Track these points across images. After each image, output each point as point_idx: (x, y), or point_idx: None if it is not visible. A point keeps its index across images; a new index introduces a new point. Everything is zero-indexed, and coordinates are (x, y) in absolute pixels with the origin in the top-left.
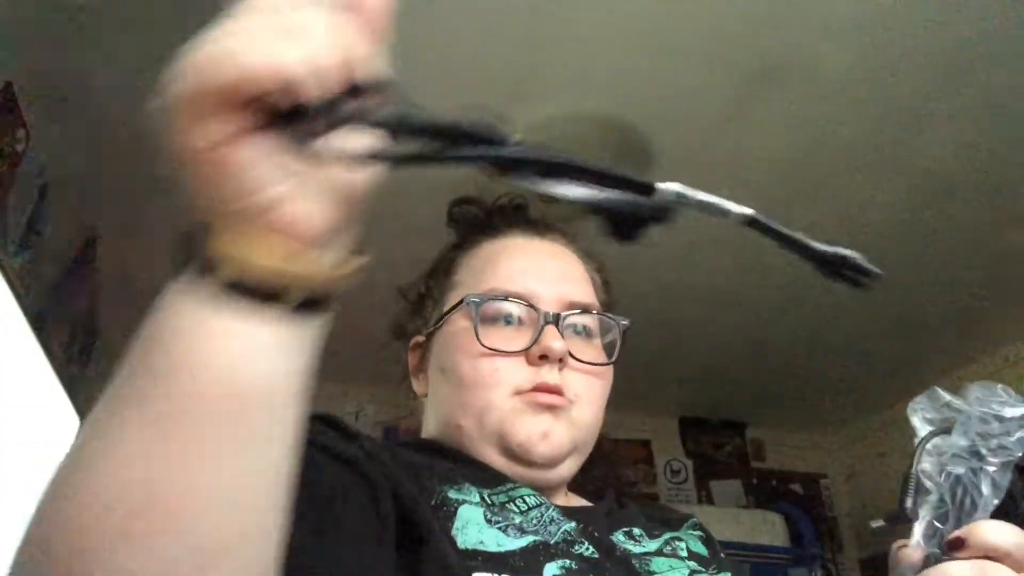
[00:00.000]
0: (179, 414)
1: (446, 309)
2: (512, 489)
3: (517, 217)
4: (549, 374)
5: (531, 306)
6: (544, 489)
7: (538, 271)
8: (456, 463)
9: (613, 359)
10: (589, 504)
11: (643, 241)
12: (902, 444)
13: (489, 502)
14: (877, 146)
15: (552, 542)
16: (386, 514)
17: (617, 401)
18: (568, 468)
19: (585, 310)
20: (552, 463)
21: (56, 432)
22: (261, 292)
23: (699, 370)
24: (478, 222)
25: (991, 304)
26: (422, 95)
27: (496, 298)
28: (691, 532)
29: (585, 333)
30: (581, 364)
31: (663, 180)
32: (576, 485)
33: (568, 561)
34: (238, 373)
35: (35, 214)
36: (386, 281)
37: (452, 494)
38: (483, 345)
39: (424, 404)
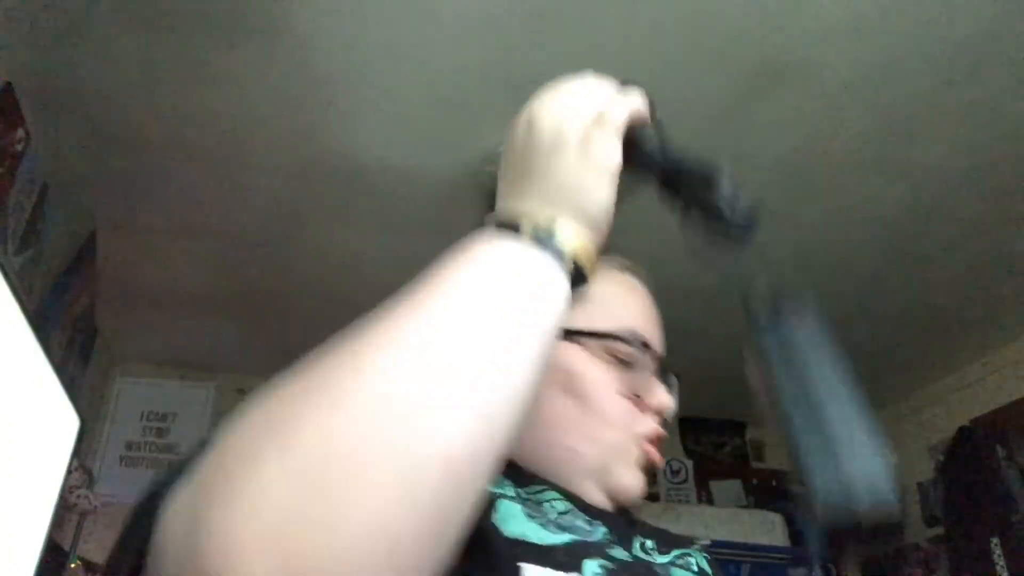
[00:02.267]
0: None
1: (589, 329)
2: (541, 491)
3: (609, 255)
4: (660, 429)
5: (652, 357)
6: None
7: (650, 316)
8: None
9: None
10: (608, 509)
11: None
12: (902, 444)
13: (524, 498)
14: (877, 146)
15: (590, 541)
16: None
17: None
18: None
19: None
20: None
21: (56, 432)
22: (578, 267)
23: (699, 370)
24: None
25: (991, 304)
26: (422, 95)
27: (641, 344)
28: (699, 553)
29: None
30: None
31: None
32: None
33: (606, 561)
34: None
35: (35, 214)
36: (383, 282)
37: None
38: (625, 390)
39: None
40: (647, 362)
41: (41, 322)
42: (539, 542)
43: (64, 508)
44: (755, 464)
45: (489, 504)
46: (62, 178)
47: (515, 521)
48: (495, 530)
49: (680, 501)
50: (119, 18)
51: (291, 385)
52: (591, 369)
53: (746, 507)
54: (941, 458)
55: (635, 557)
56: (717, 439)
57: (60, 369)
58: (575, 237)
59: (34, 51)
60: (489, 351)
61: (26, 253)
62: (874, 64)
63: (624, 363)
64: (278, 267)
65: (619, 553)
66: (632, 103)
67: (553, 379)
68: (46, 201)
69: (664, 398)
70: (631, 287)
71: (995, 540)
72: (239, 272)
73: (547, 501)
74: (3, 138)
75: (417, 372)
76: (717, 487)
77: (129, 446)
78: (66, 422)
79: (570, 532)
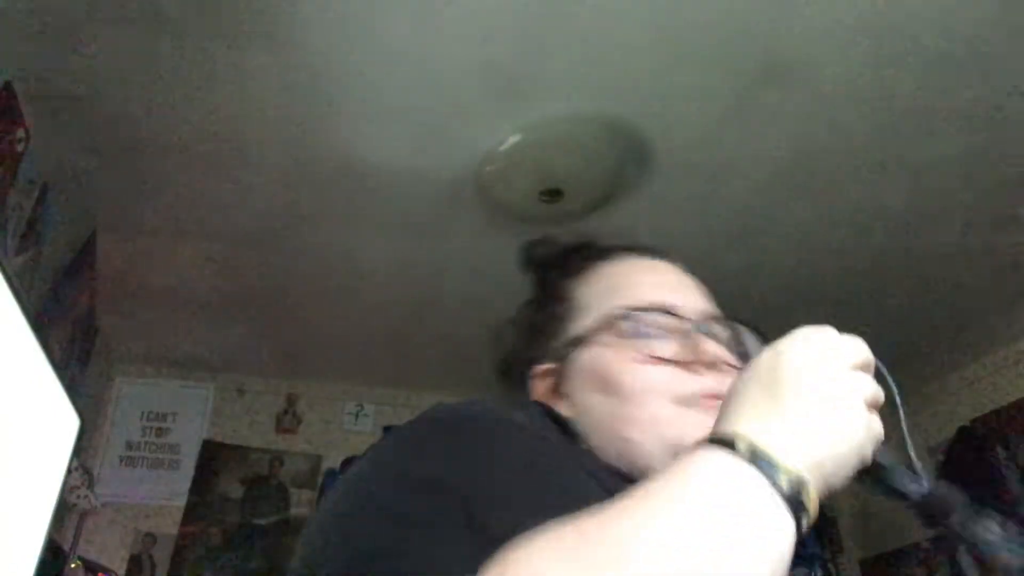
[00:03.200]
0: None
1: (587, 329)
2: None
3: (628, 246)
4: (713, 382)
5: (678, 316)
6: None
7: (675, 284)
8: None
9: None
10: None
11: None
12: None
13: None
14: (877, 146)
15: None
16: None
17: None
18: None
19: (720, 320)
20: None
21: (56, 432)
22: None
23: None
24: (587, 253)
25: (991, 304)
26: (422, 95)
27: (648, 310)
28: None
29: (723, 343)
30: (732, 369)
31: (663, 180)
32: None
33: None
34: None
35: (35, 214)
36: (383, 282)
37: None
38: (647, 355)
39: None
40: (679, 325)
41: (41, 322)
42: None
43: (64, 508)
44: None
45: None
46: (62, 178)
47: None
48: None
49: None
50: (119, 18)
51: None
52: (609, 357)
53: None
54: (941, 458)
55: None
56: None
57: (60, 369)
58: (813, 501)
59: (34, 51)
60: None
61: (26, 253)
62: (874, 64)
63: (657, 335)
64: (278, 267)
65: None
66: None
67: (587, 387)
68: (46, 201)
69: (709, 348)
70: (646, 267)
71: None
72: (239, 272)
73: None
74: (3, 138)
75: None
76: None
77: (129, 446)
78: (66, 422)
79: None
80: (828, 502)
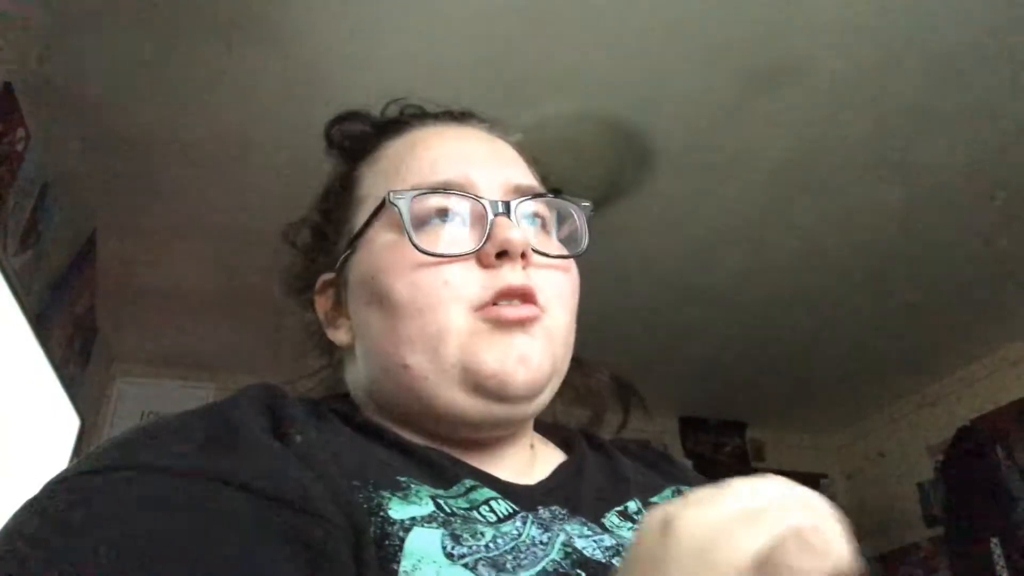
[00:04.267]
0: None
1: (359, 225)
2: (472, 490)
3: (425, 113)
4: (512, 274)
5: (471, 196)
6: (509, 437)
7: (469, 155)
8: (394, 451)
9: (583, 248)
10: (562, 458)
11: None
12: (902, 444)
13: (448, 511)
14: (877, 146)
15: (540, 574)
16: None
17: None
18: (546, 397)
19: (537, 195)
20: (533, 394)
21: (56, 432)
22: None
23: (699, 370)
24: (374, 130)
25: (991, 304)
26: (423, 94)
27: (424, 192)
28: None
29: (541, 224)
30: (547, 259)
31: (663, 180)
32: (542, 424)
33: None
34: None
35: (35, 214)
36: None
37: (396, 511)
38: (422, 251)
39: (347, 358)
40: (469, 207)
41: (41, 322)
42: None
43: None
44: (755, 464)
45: (397, 548)
46: (62, 178)
47: (429, 571)
48: None
49: None
50: (119, 18)
51: None
52: (381, 259)
53: None
54: (941, 458)
55: (608, 548)
56: (717, 439)
57: (60, 369)
58: None
59: (34, 51)
60: None
61: (26, 253)
62: (874, 64)
63: (440, 224)
64: (278, 267)
65: (582, 560)
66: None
67: (362, 301)
68: (46, 201)
69: (502, 235)
70: (436, 135)
71: (995, 540)
72: (239, 272)
73: (482, 502)
74: (3, 138)
75: None
76: None
77: None
78: (66, 422)
79: (511, 568)
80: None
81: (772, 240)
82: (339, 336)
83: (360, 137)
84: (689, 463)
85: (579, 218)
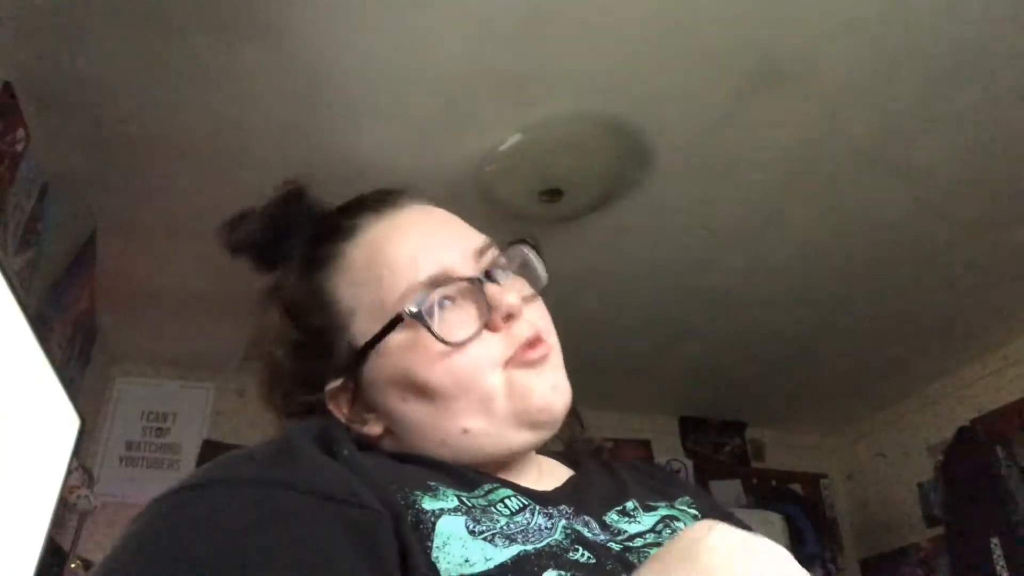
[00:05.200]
0: None
1: (367, 336)
2: (491, 491)
3: (356, 207)
4: (521, 327)
5: (457, 279)
6: (523, 456)
7: (433, 242)
8: (424, 467)
9: (545, 279)
10: (571, 473)
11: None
12: (902, 444)
13: (469, 505)
14: (877, 146)
15: (545, 550)
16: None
17: (617, 401)
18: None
19: (493, 248)
20: (564, 415)
21: (56, 432)
22: None
23: (699, 370)
24: (309, 236)
25: (991, 304)
26: (422, 95)
27: (423, 295)
28: (686, 510)
29: (502, 269)
30: (531, 299)
31: (663, 180)
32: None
33: (563, 571)
34: None
35: (35, 214)
36: None
37: (427, 504)
38: (451, 344)
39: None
40: (463, 289)
41: (41, 322)
42: (483, 567)
43: (64, 508)
44: (755, 464)
45: (429, 531)
46: (62, 178)
47: (457, 544)
48: (435, 570)
49: None
50: (119, 18)
51: None
52: (408, 360)
53: (746, 507)
54: (941, 458)
55: (608, 544)
56: (717, 439)
57: (60, 369)
58: None
59: (34, 51)
60: None
61: (26, 253)
62: (874, 64)
63: (446, 315)
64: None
65: (582, 556)
66: None
67: (397, 396)
68: (46, 201)
69: (499, 303)
70: (384, 240)
71: (995, 540)
72: (239, 272)
73: (499, 501)
74: (3, 138)
75: None
76: (717, 487)
77: (129, 446)
78: (66, 422)
79: (521, 541)
80: (828, 502)
81: (772, 240)
82: (372, 429)
83: (305, 247)
84: (691, 463)
85: (530, 253)
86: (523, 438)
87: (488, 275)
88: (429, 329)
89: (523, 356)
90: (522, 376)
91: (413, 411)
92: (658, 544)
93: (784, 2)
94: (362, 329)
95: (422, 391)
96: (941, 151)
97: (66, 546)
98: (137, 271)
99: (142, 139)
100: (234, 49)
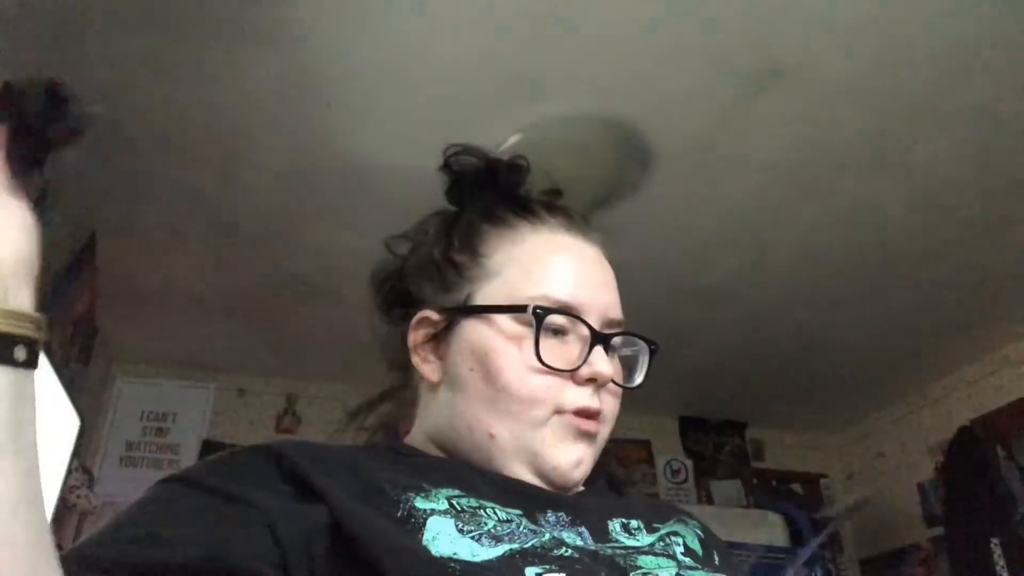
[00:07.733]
0: None
1: (496, 303)
2: (481, 505)
3: (557, 208)
4: (592, 399)
5: (582, 320)
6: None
7: (587, 280)
8: (425, 466)
9: (638, 383)
10: (580, 489)
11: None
12: (902, 444)
13: (459, 508)
14: (877, 146)
15: (529, 548)
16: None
17: None
18: None
19: (623, 331)
20: (576, 486)
21: (56, 432)
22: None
23: (699, 370)
24: (508, 198)
25: (991, 304)
26: (422, 94)
27: (557, 312)
28: (691, 529)
29: (615, 351)
30: (616, 387)
31: (663, 180)
32: None
33: (550, 565)
34: None
35: (35, 214)
36: None
37: (419, 504)
38: (544, 364)
39: (425, 391)
40: (580, 331)
41: None
42: (471, 559)
43: (64, 508)
44: (755, 464)
45: (420, 525)
46: (62, 178)
47: (446, 539)
48: (424, 552)
49: (680, 501)
50: (119, 18)
51: None
52: (501, 345)
53: (746, 507)
54: (941, 458)
55: (607, 543)
56: (717, 439)
57: (60, 369)
58: None
59: (34, 51)
60: None
61: None
62: (874, 64)
63: (554, 332)
64: (278, 267)
65: (566, 552)
66: None
67: (469, 362)
68: (46, 201)
69: (595, 366)
70: (559, 247)
71: (995, 540)
72: (239, 272)
73: (488, 508)
74: None
75: None
76: (717, 487)
77: (129, 446)
78: (66, 422)
79: (508, 541)
80: (827, 502)
81: (772, 240)
82: (427, 370)
83: (498, 206)
84: (691, 463)
85: (644, 355)
86: (525, 475)
87: (606, 340)
88: (536, 336)
89: (576, 419)
90: (561, 432)
91: (472, 384)
92: (653, 554)
93: (784, 2)
94: (488, 293)
95: (490, 376)
96: (941, 150)
97: (66, 546)
98: (137, 271)
99: (141, 139)
100: (234, 49)
